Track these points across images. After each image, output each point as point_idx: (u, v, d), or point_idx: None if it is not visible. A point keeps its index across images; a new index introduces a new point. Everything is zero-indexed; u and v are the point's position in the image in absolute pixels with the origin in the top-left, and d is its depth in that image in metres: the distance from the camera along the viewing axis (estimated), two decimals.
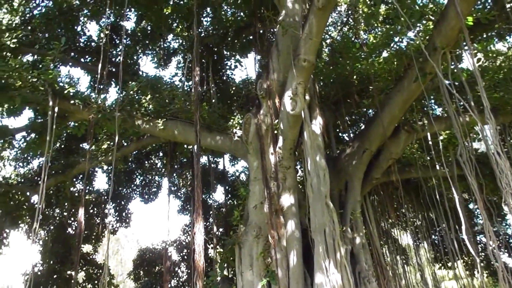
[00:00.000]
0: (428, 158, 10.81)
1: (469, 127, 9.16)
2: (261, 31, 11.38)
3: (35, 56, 12.52)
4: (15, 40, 10.17)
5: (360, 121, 13.42)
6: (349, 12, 16.00)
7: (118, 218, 16.52)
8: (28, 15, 12.99)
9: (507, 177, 4.85)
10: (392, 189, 12.73)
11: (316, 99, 8.82)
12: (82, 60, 13.81)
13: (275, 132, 8.42)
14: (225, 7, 12.97)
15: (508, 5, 9.03)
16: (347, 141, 12.16)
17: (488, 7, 10.35)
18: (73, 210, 14.78)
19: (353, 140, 10.29)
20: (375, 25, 14.55)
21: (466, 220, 12.11)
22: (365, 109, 12.29)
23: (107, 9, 11.65)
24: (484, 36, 10.61)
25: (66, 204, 14.35)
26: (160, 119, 9.68)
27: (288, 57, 8.34)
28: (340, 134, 13.49)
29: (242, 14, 11.97)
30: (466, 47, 7.01)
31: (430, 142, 9.21)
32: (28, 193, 13.29)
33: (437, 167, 9.85)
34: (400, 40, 10.44)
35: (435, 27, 7.89)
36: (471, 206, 15.22)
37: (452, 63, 7.67)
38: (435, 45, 7.61)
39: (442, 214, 11.67)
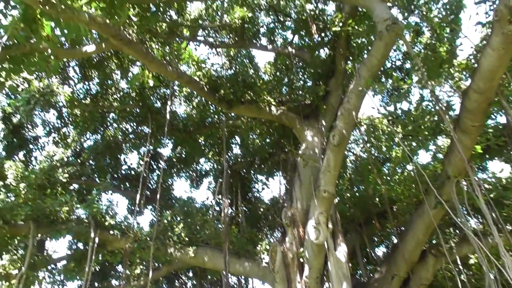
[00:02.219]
0: (461, 281, 10.47)
1: (496, 250, 9.08)
2: (284, 159, 12.32)
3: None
4: (66, 175, 11.43)
5: (387, 241, 13.40)
6: (370, 130, 17.05)
7: None
8: (78, 148, 14.70)
9: None
10: None
11: (339, 226, 9.17)
12: (122, 186, 15.03)
13: (301, 260, 8.66)
14: (252, 136, 14.25)
15: None
16: (376, 262, 12.05)
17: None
18: None
19: (381, 264, 10.26)
20: (395, 142, 15.32)
21: None
22: (390, 230, 12.39)
23: (147, 142, 13.10)
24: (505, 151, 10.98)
25: None
26: (191, 247, 10.16)
27: (310, 187, 8.98)
28: (369, 255, 13.38)
29: (267, 144, 13.11)
30: (476, 178, 7.44)
31: (461, 267, 9.10)
32: None
33: None
34: (415, 166, 10.99)
35: (445, 156, 8.44)
36: None
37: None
38: (448, 174, 8.08)
39: None
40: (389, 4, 11.19)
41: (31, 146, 12.98)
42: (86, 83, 12.37)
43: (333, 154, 8.34)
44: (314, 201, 8.52)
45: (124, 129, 14.38)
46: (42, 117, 12.87)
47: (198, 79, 9.80)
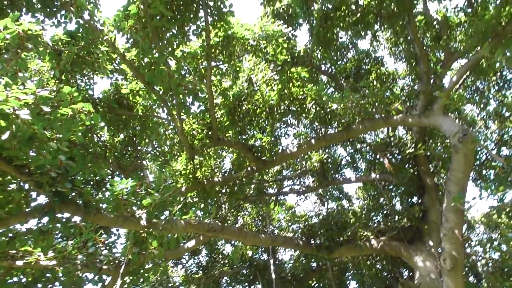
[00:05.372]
0: None
1: None
2: None
3: None
4: None
5: None
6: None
7: None
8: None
9: None
10: None
11: None
12: None
13: None
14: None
15: None
16: None
17: None
18: None
19: None
20: None
21: None
22: None
23: None
24: None
25: None
26: None
27: None
28: None
29: (380, 277, 12.34)
30: None
31: None
32: None
33: None
34: None
35: None
36: None
37: None
38: None
39: None
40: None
41: None
42: (196, 257, 13.41)
43: (451, 279, 7.68)
44: None
45: None
46: None
47: (292, 233, 10.17)
